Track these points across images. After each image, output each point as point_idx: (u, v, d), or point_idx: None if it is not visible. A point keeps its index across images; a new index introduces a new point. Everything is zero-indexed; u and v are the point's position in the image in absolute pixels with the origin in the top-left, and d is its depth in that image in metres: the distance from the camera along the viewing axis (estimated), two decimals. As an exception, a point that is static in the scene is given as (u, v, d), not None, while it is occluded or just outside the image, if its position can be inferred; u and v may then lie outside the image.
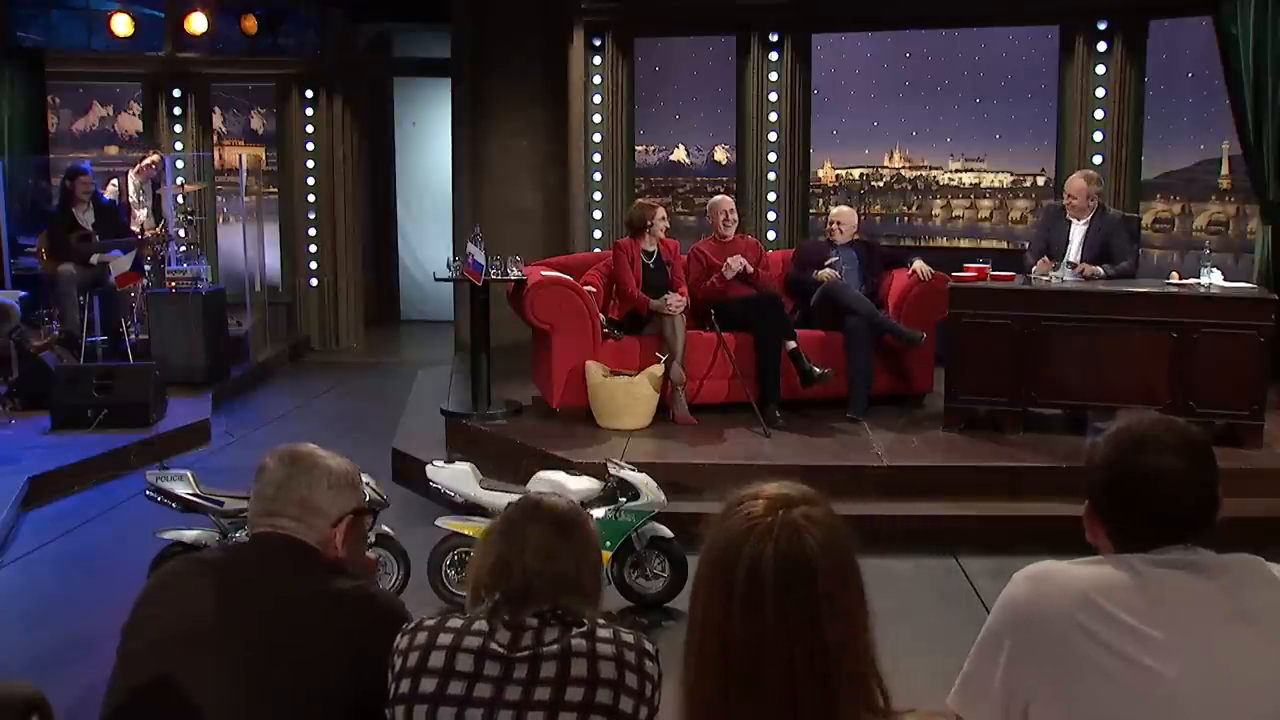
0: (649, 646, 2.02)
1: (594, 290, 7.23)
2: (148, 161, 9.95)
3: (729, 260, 7.15)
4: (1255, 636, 1.79)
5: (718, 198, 7.76)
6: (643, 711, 1.96)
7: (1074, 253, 7.14)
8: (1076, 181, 7.18)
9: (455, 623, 2.02)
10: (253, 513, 2.26)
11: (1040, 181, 9.19)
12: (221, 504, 4.76)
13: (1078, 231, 7.13)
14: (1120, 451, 1.89)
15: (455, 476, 5.08)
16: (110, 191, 9.81)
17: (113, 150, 11.20)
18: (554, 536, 2.06)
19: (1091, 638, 1.77)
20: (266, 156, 11.85)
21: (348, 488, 2.27)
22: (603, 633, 2.00)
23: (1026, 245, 7.57)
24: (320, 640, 2.07)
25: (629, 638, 2.01)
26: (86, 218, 8.99)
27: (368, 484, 4.85)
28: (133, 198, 9.76)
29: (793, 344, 6.89)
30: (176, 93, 11.49)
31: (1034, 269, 6.95)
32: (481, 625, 2.00)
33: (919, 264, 7.30)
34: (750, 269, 7.22)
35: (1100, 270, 6.88)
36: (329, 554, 2.22)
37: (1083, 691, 1.76)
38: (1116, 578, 1.82)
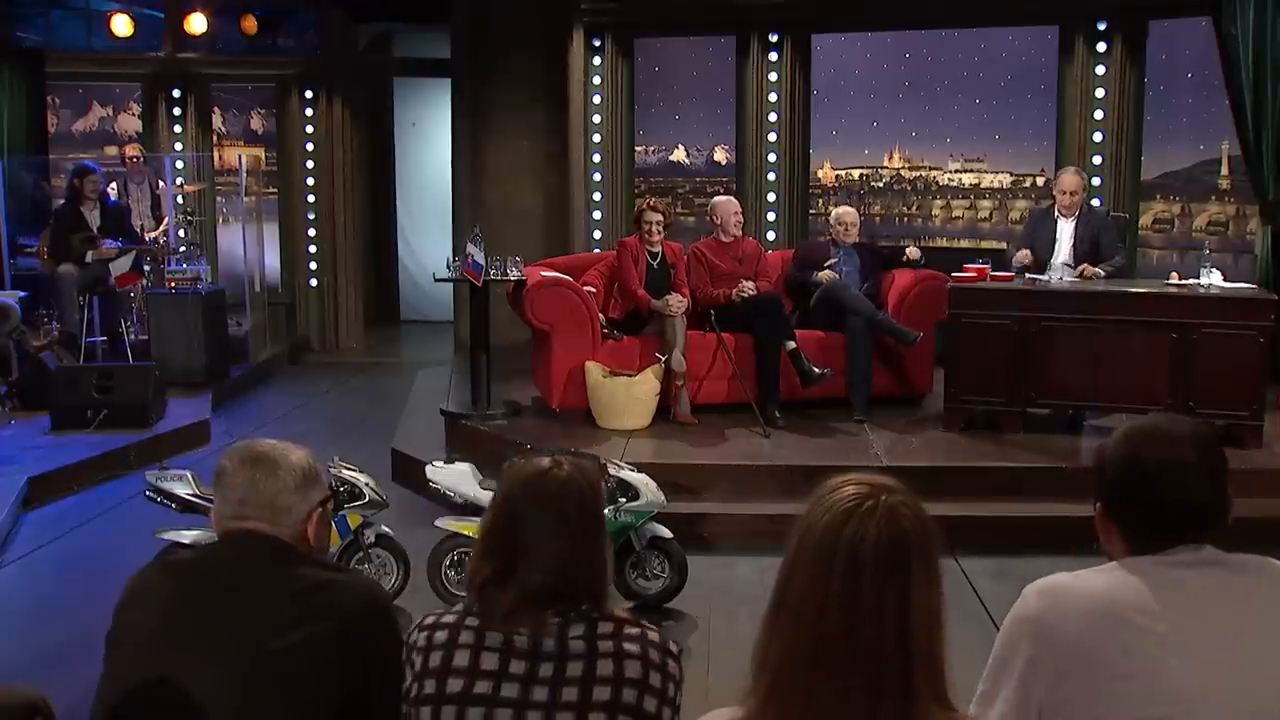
0: (674, 647, 2.01)
1: (594, 290, 7.23)
2: (129, 155, 9.97)
3: (743, 284, 7.09)
4: (1270, 635, 1.79)
5: (725, 198, 7.71)
6: (666, 712, 1.95)
7: (1064, 251, 7.15)
8: (1073, 178, 7.19)
9: (473, 620, 2.00)
10: (219, 515, 2.25)
11: (1040, 181, 9.19)
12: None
13: (1066, 229, 7.15)
14: (1131, 445, 1.91)
15: (455, 476, 5.08)
16: (112, 194, 9.81)
17: (112, 151, 11.19)
18: (560, 523, 1.99)
19: (1108, 645, 1.78)
20: (266, 157, 11.87)
21: (313, 482, 2.26)
22: (629, 630, 1.98)
23: (1007, 245, 7.65)
24: (304, 632, 2.07)
25: (654, 636, 2.00)
26: (93, 217, 9.00)
27: (367, 484, 4.89)
28: (131, 199, 9.78)
29: (792, 344, 6.89)
30: (176, 93, 11.50)
31: (1014, 258, 6.99)
32: (502, 625, 1.97)
33: (911, 249, 7.42)
34: (756, 291, 7.16)
35: (1100, 271, 6.91)
36: (301, 548, 2.22)
37: (1101, 698, 1.77)
38: (1128, 584, 1.83)
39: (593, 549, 2.03)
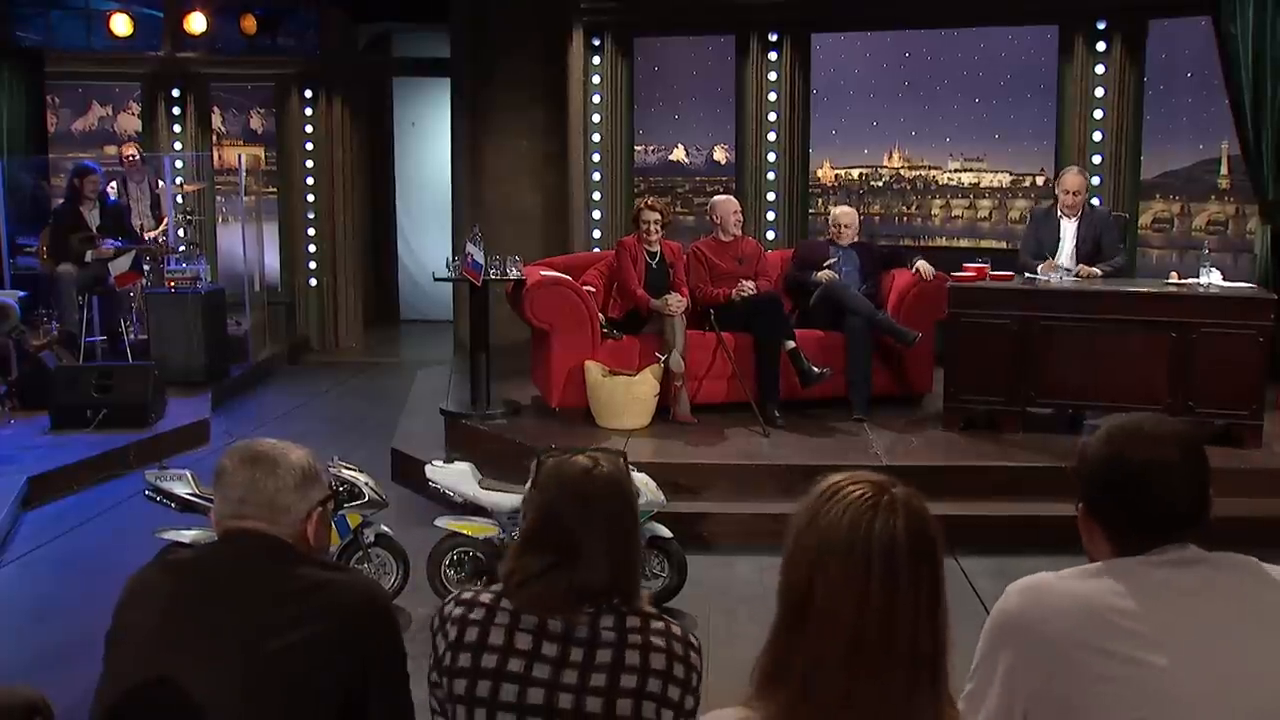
0: (694, 640, 2.09)
1: (593, 290, 7.23)
2: (126, 154, 9.96)
3: (743, 283, 7.08)
4: (1255, 634, 1.79)
5: (724, 197, 7.70)
6: (689, 701, 2.03)
7: (1067, 250, 7.15)
8: (1076, 178, 7.19)
9: (507, 604, 2.06)
10: (219, 514, 2.25)
11: (1040, 181, 9.18)
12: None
13: (1069, 228, 7.15)
14: (1114, 446, 1.90)
15: (454, 476, 5.08)
16: (111, 193, 9.81)
17: (112, 150, 11.19)
18: (608, 522, 2.06)
19: (1090, 646, 1.77)
20: (266, 156, 11.86)
21: (312, 481, 2.26)
22: (656, 624, 2.06)
23: (1007, 245, 7.60)
24: (303, 632, 2.07)
25: (678, 630, 2.08)
26: (93, 216, 9.01)
27: (367, 484, 4.89)
28: (131, 199, 9.78)
29: (791, 344, 6.89)
30: (176, 93, 11.50)
31: (1040, 269, 6.95)
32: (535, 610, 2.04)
33: (922, 263, 7.30)
34: (755, 291, 7.14)
35: (1098, 271, 6.91)
36: (301, 548, 2.22)
37: (1086, 699, 1.76)
38: (1111, 584, 1.82)
39: (633, 545, 2.12)
